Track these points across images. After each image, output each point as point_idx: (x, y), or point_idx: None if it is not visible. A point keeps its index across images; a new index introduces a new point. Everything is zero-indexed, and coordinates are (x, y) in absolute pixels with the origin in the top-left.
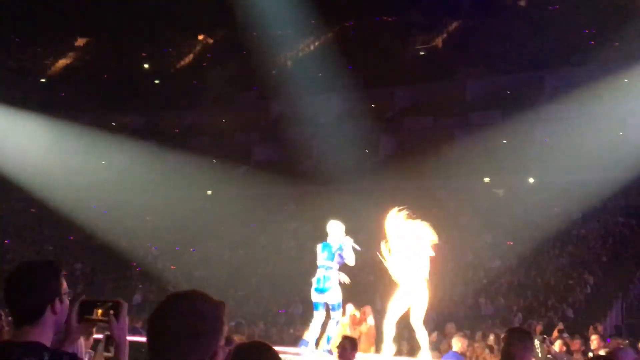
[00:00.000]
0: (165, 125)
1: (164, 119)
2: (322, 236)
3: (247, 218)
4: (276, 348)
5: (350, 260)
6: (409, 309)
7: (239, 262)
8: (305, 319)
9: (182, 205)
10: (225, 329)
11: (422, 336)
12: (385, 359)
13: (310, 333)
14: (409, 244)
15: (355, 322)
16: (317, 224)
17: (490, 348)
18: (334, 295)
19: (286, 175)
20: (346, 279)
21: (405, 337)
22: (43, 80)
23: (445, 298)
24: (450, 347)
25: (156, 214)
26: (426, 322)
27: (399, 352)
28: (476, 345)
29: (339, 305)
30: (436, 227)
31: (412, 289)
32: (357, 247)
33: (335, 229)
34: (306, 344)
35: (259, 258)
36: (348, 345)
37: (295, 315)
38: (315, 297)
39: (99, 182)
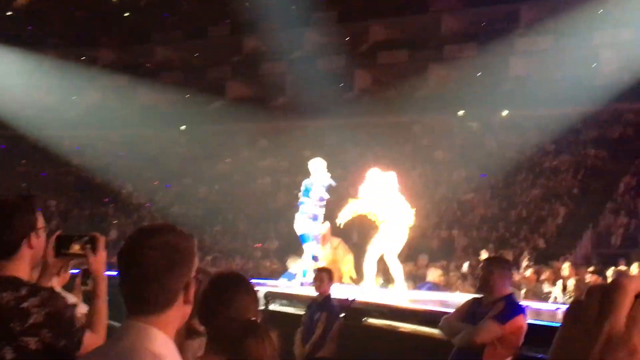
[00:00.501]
0: (137, 60)
1: (135, 54)
2: (299, 172)
3: (222, 154)
4: (252, 280)
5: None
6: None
7: (215, 198)
8: (280, 253)
9: (156, 141)
10: (196, 261)
11: (396, 268)
12: (359, 290)
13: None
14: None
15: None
16: (292, 159)
17: (464, 276)
18: (305, 228)
19: (260, 111)
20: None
21: (380, 270)
22: (9, 13)
23: (418, 231)
24: (423, 278)
25: (130, 149)
26: (399, 255)
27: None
28: (451, 274)
29: (308, 238)
30: (411, 162)
31: (390, 229)
32: (333, 183)
33: (316, 166)
34: (292, 276)
35: (235, 194)
36: (325, 277)
37: (270, 249)
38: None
39: (71, 118)
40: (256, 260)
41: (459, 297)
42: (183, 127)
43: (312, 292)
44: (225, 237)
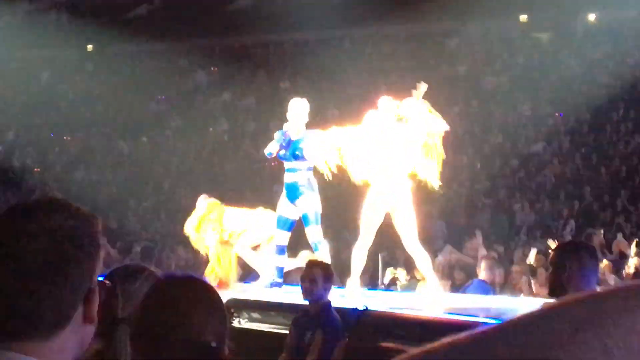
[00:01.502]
0: None
1: None
2: (272, 115)
3: (153, 87)
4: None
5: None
6: (390, 225)
7: (143, 156)
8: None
9: (49, 68)
10: (104, 253)
11: (423, 260)
12: (354, 291)
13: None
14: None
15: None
16: (261, 95)
17: (532, 271)
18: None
19: (206, 21)
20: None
21: (401, 263)
22: None
23: (459, 201)
24: (469, 274)
25: (6, 81)
26: (427, 240)
27: (393, 282)
28: (514, 269)
29: (316, 218)
30: (446, 94)
31: (388, 190)
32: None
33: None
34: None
35: (173, 149)
36: (318, 274)
37: None
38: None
39: None
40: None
41: (526, 304)
42: (90, 47)
43: (298, 298)
44: (161, 217)
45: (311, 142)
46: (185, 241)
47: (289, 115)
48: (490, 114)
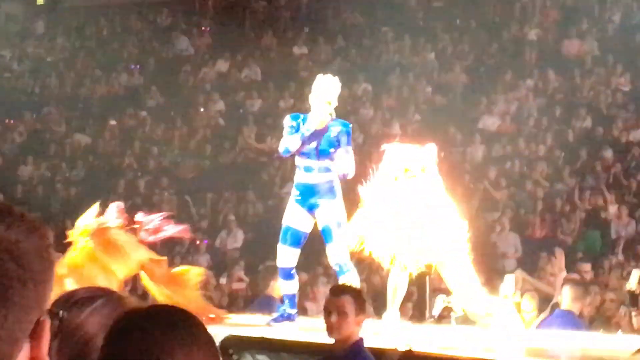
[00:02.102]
0: None
1: None
2: (278, 86)
3: (127, 55)
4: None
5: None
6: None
7: (110, 148)
8: (251, 255)
9: None
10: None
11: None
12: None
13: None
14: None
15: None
16: (255, 60)
17: (633, 300)
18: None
19: None
20: None
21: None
22: None
23: (534, 205)
24: (536, 302)
25: None
26: (493, 257)
27: (445, 314)
28: (609, 297)
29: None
30: (517, 64)
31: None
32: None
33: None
34: (282, 311)
35: (152, 137)
36: (349, 304)
37: (228, 249)
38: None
39: None
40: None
41: (624, 343)
42: (41, 0)
43: (319, 336)
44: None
45: (345, 138)
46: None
47: (313, 97)
48: (574, 89)
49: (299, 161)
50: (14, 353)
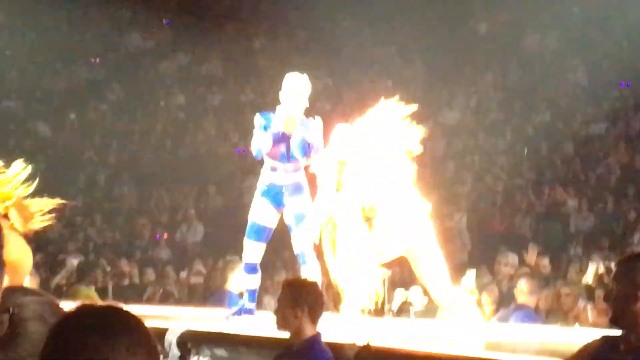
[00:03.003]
0: None
1: None
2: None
3: (79, 47)
4: (144, 314)
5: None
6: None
7: (68, 136)
8: (208, 248)
9: None
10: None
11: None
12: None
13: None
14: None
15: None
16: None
17: (589, 293)
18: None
19: None
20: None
21: (416, 281)
22: None
23: (494, 200)
24: (495, 297)
25: None
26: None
27: (404, 308)
28: (565, 291)
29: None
30: (477, 57)
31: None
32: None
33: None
34: (240, 305)
35: (108, 127)
36: (286, 298)
37: (188, 243)
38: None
39: None
40: (159, 268)
41: (582, 336)
42: None
43: (275, 331)
44: (95, 220)
45: (318, 141)
46: (129, 251)
47: (283, 96)
48: (534, 83)
49: (267, 161)
50: None
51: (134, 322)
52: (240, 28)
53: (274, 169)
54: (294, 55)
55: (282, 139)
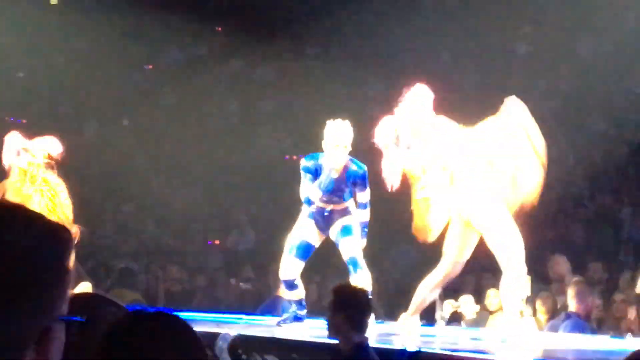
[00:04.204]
0: None
1: None
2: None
3: (132, 53)
4: (197, 319)
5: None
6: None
7: (121, 141)
8: (261, 256)
9: None
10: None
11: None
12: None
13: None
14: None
15: None
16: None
17: None
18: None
19: None
20: None
21: (469, 289)
22: None
23: (546, 208)
24: (550, 304)
25: None
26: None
27: (456, 317)
28: (618, 299)
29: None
30: (528, 63)
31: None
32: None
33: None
34: (291, 313)
35: (160, 133)
36: (332, 304)
37: (239, 251)
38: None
39: None
40: (210, 273)
41: (635, 346)
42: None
43: (325, 337)
44: (147, 225)
45: (363, 186)
46: (181, 258)
47: (326, 145)
48: (588, 90)
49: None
50: (19, 356)
51: (182, 327)
52: (293, 34)
53: (322, 200)
54: (347, 62)
55: (327, 180)
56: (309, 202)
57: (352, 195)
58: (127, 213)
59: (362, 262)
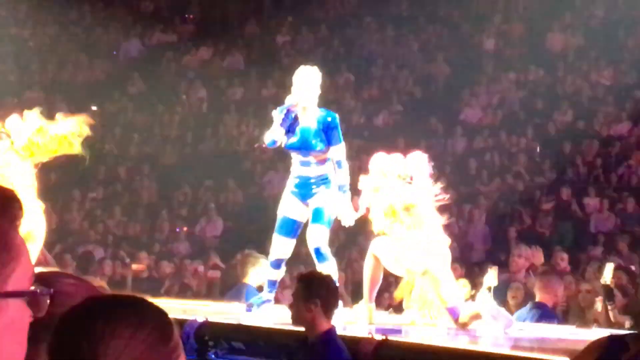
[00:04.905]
0: None
1: None
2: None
3: (100, 40)
4: (163, 304)
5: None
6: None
7: (89, 128)
8: (228, 243)
9: None
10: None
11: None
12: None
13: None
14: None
15: None
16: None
17: (608, 293)
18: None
19: None
20: None
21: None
22: None
23: (514, 198)
24: (521, 295)
25: None
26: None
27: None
28: (584, 288)
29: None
30: (500, 56)
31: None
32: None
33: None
34: (258, 298)
35: (128, 120)
36: (299, 292)
37: (206, 238)
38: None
39: None
40: (177, 260)
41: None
42: None
43: (289, 324)
44: (114, 213)
45: (335, 134)
46: (149, 245)
47: (294, 89)
48: (556, 83)
49: (293, 155)
50: None
51: (140, 304)
52: (262, 23)
53: (299, 162)
54: (316, 50)
55: (298, 129)
56: (273, 142)
57: (328, 145)
58: (96, 200)
59: (326, 252)
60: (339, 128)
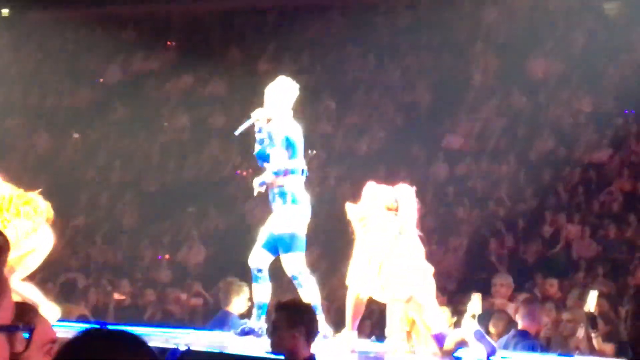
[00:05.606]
0: None
1: None
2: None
3: (84, 68)
4: (146, 334)
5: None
6: None
7: (71, 154)
8: (212, 271)
9: None
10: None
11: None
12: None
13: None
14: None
15: None
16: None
17: (592, 321)
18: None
19: None
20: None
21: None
22: None
23: (496, 225)
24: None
25: None
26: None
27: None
28: (566, 317)
29: (295, 244)
30: (481, 83)
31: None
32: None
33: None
34: (243, 327)
35: (111, 147)
36: (283, 321)
37: (190, 264)
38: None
39: None
40: (160, 288)
41: None
42: (6, 12)
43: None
44: (95, 240)
45: (280, 136)
46: (131, 272)
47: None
48: (538, 110)
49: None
50: None
51: (138, 344)
52: (244, 50)
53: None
54: (298, 77)
55: (258, 140)
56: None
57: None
58: (76, 227)
59: (304, 276)
60: (281, 135)
